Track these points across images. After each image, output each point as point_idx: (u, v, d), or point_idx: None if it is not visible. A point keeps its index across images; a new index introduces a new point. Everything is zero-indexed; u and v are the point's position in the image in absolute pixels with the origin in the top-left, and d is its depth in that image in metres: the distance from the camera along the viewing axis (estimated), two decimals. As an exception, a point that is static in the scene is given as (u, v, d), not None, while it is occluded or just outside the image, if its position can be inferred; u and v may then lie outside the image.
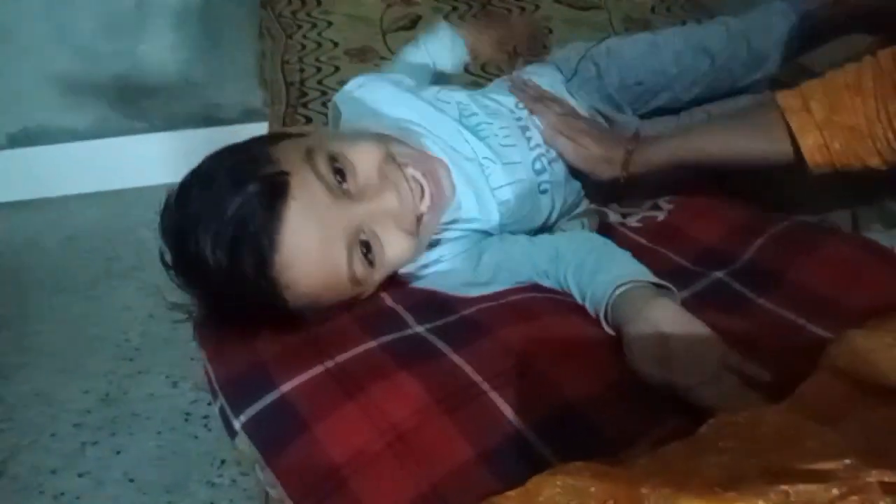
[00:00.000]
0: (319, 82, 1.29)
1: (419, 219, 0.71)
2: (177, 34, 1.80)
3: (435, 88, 0.90)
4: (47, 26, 1.72)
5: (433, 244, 0.76)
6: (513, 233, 0.82)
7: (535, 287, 0.76)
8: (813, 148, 0.71)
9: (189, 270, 0.65)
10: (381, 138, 0.73)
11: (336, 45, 1.41)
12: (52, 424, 1.35)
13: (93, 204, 1.88)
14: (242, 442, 0.60)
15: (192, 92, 1.85)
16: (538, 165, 0.85)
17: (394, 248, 0.69)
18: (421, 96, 0.87)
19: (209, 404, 1.36)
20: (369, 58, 1.36)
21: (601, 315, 0.68)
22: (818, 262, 0.71)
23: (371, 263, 0.67)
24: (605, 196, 0.92)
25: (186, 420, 1.36)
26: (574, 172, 0.88)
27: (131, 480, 1.26)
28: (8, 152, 1.86)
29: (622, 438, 0.56)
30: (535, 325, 0.66)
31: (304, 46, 1.41)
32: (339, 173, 0.66)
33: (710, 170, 0.83)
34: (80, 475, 1.26)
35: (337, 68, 1.33)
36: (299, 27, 1.48)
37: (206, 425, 1.35)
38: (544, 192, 0.85)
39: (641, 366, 0.61)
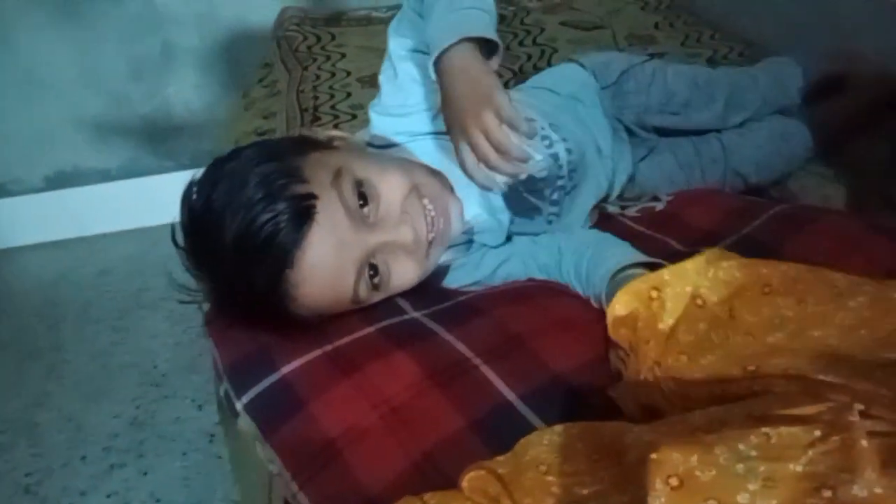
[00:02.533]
0: (332, 107, 1.34)
1: (430, 243, 0.73)
2: (201, 75, 1.89)
3: None
4: (77, 72, 1.83)
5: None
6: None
7: (530, 279, 0.77)
8: None
9: (204, 260, 0.68)
10: (409, 168, 0.75)
11: (349, 73, 1.47)
12: (82, 448, 1.39)
13: (124, 241, 1.95)
14: (244, 421, 0.62)
15: (216, 130, 1.93)
16: (555, 196, 0.85)
17: (401, 277, 0.71)
18: None
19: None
20: (380, 83, 1.40)
21: (605, 305, 0.67)
22: (816, 234, 0.71)
23: (375, 287, 0.70)
24: None
25: (211, 441, 1.39)
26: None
27: (158, 500, 1.28)
28: (45, 195, 1.95)
29: (609, 407, 0.57)
30: (527, 305, 0.67)
31: (318, 77, 1.47)
32: (362, 197, 0.69)
33: None
34: (107, 496, 1.29)
35: (349, 94, 1.38)
36: (314, 60, 1.54)
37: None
38: (550, 222, 0.85)
39: None
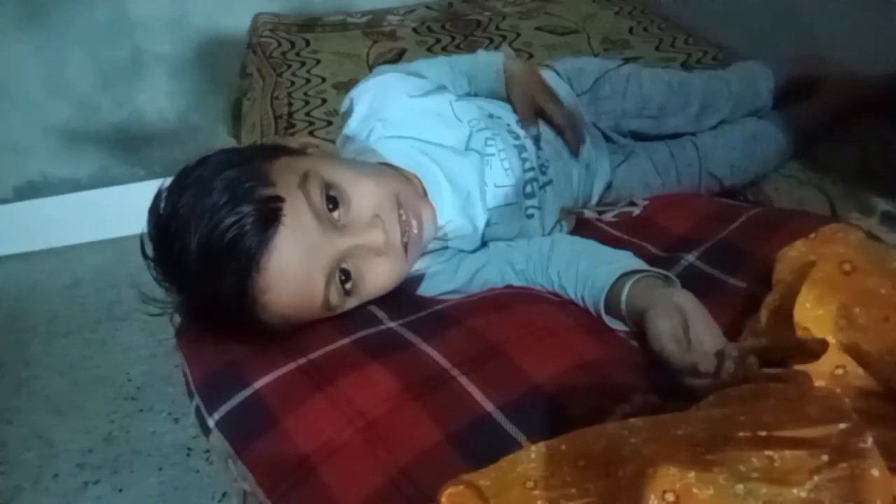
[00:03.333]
0: (307, 114, 1.33)
1: (405, 247, 0.72)
2: (173, 82, 1.86)
3: (449, 99, 0.87)
4: (45, 80, 1.79)
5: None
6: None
7: (508, 286, 0.76)
8: None
9: (171, 268, 0.67)
10: (383, 175, 0.74)
11: (324, 80, 1.45)
12: (54, 465, 1.35)
13: (95, 251, 1.91)
14: (216, 438, 0.60)
15: (189, 137, 1.90)
16: (528, 189, 0.84)
17: (375, 281, 0.70)
18: (434, 109, 0.85)
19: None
20: (355, 89, 1.39)
21: (601, 302, 0.69)
22: (792, 236, 0.71)
23: (347, 292, 0.69)
24: None
25: (188, 455, 1.36)
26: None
27: (132, 517, 1.25)
28: (13, 205, 1.91)
29: (589, 416, 0.56)
30: (504, 314, 0.67)
31: (293, 83, 1.45)
32: (332, 201, 0.68)
33: None
34: (80, 514, 1.26)
35: (324, 100, 1.37)
36: (289, 66, 1.52)
37: (207, 459, 1.34)
38: (530, 216, 0.84)
39: (668, 345, 0.62)
